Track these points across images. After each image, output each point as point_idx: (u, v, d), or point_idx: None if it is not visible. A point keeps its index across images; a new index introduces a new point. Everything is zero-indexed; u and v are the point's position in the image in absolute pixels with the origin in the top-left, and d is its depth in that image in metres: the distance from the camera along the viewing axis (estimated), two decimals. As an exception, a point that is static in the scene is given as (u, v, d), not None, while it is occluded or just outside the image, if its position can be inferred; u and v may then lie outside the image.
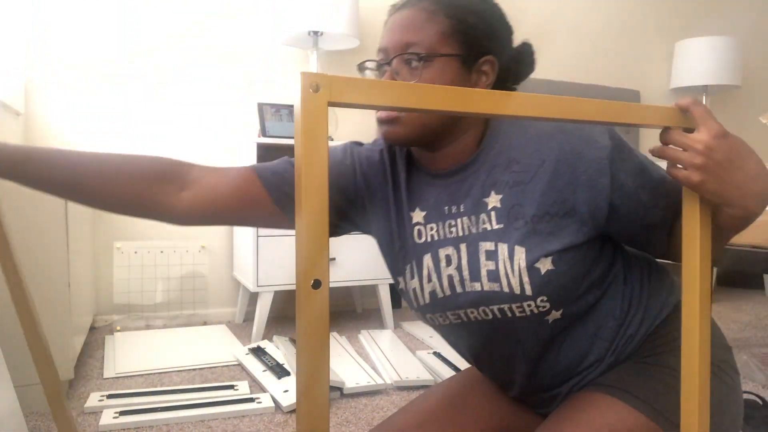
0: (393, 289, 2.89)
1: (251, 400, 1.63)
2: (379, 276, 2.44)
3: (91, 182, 0.75)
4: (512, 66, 0.80)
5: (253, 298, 2.69)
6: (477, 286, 0.77)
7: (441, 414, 0.90)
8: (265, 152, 2.67)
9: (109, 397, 1.64)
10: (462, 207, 0.79)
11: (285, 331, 2.47)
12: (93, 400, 1.61)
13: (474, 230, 0.77)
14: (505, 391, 0.95)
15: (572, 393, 0.85)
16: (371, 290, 2.93)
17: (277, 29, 2.47)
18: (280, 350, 2.05)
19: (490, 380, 0.96)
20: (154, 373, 1.88)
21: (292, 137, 2.34)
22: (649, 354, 0.82)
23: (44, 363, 0.91)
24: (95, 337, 2.29)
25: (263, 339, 2.30)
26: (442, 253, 0.80)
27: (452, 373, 1.89)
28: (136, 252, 2.50)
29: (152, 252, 2.52)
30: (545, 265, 0.74)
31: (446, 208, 0.80)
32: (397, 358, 2.03)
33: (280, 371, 1.82)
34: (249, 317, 2.67)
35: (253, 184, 0.83)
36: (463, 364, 1.99)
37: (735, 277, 3.63)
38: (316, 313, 0.40)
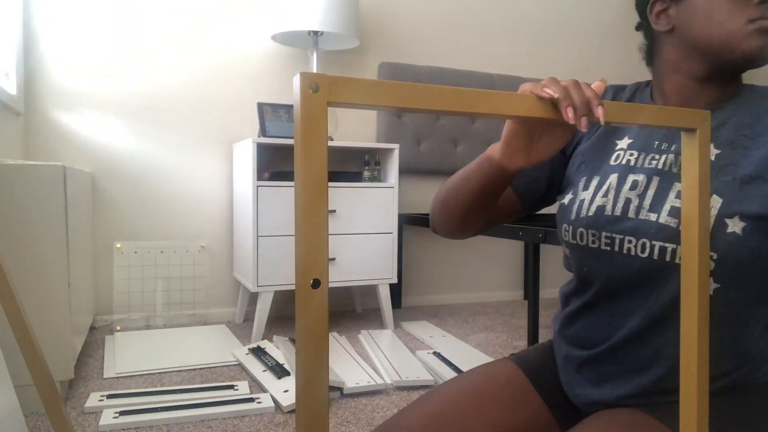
0: (393, 289, 2.90)
1: (251, 400, 1.63)
2: (379, 276, 2.44)
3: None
4: None
5: (253, 298, 2.69)
6: (653, 216, 0.74)
7: (446, 418, 0.87)
8: (265, 152, 2.67)
9: (109, 397, 1.64)
10: (674, 147, 0.78)
11: (285, 331, 2.47)
12: (93, 400, 1.61)
13: (675, 170, 0.76)
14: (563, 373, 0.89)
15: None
16: (371, 290, 2.93)
17: (277, 29, 2.47)
18: (280, 350, 2.05)
19: (572, 337, 0.88)
20: (154, 373, 1.88)
21: (292, 137, 2.34)
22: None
23: (37, 366, 0.91)
24: (95, 337, 2.29)
25: (263, 339, 2.30)
26: (632, 177, 0.78)
27: (452, 373, 1.89)
28: (136, 252, 2.50)
29: (152, 252, 2.52)
30: (734, 226, 0.70)
31: (657, 142, 0.80)
32: (397, 358, 2.03)
33: (280, 371, 1.82)
34: (249, 317, 2.67)
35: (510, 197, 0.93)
36: (464, 365, 1.99)
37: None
38: (316, 312, 0.41)
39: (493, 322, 2.73)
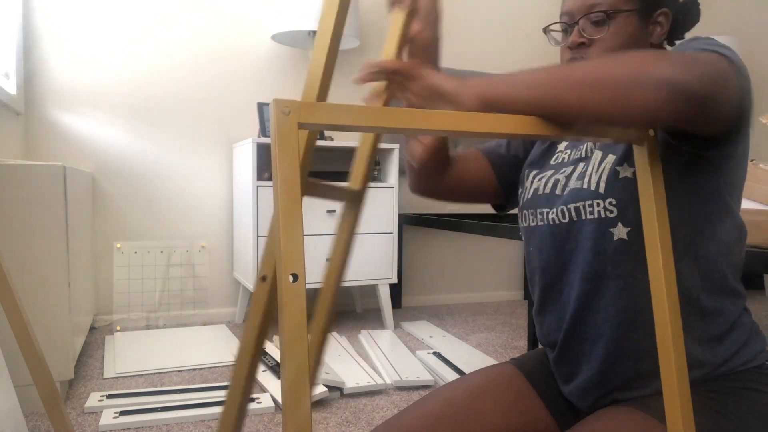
0: (393, 289, 2.90)
1: (251, 400, 1.63)
2: (379, 276, 2.44)
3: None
4: (680, 17, 0.89)
5: (253, 298, 2.69)
6: (568, 189, 0.84)
7: (446, 418, 0.88)
8: (265, 152, 2.67)
9: (109, 397, 1.64)
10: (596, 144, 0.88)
11: (285, 331, 2.47)
12: (93, 400, 1.61)
13: (590, 153, 0.86)
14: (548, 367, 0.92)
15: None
16: (371, 290, 2.93)
17: (277, 29, 2.47)
18: (281, 350, 2.05)
19: (544, 335, 0.93)
20: (154, 373, 1.88)
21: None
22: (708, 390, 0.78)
23: (37, 366, 0.91)
24: (95, 337, 2.29)
25: (263, 339, 2.30)
26: (563, 168, 0.89)
27: (452, 373, 1.89)
28: (136, 252, 2.50)
29: (152, 252, 2.52)
30: (625, 171, 0.77)
31: (584, 144, 0.90)
32: (397, 358, 2.03)
33: (280, 371, 1.82)
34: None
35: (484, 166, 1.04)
36: (463, 365, 1.99)
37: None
38: (296, 303, 0.46)
39: (493, 322, 2.73)
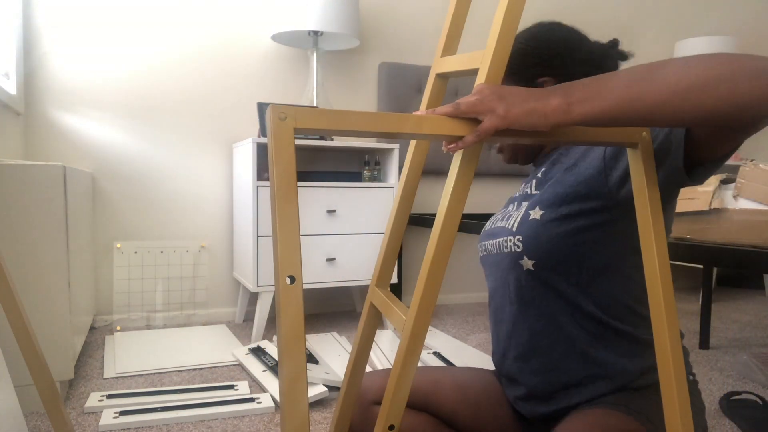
0: (393, 289, 2.89)
1: (251, 400, 1.63)
2: (379, 276, 2.43)
3: None
4: (584, 71, 0.95)
5: (253, 298, 2.69)
6: (502, 223, 0.98)
7: (445, 381, 1.02)
8: (265, 152, 2.67)
9: (109, 397, 1.64)
10: (533, 178, 1.00)
11: (285, 331, 2.47)
12: (93, 400, 1.61)
13: (529, 191, 0.98)
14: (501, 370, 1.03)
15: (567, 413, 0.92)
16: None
17: (277, 29, 2.47)
18: (278, 351, 2.05)
19: (495, 353, 1.05)
20: (154, 373, 1.88)
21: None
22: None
23: (37, 366, 0.91)
24: (95, 337, 2.29)
25: (263, 339, 2.30)
26: (512, 202, 1.03)
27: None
28: (136, 252, 2.50)
29: (152, 252, 2.52)
30: (535, 213, 0.90)
31: (530, 178, 1.01)
32: (397, 358, 2.03)
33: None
34: (249, 317, 2.67)
35: None
36: (463, 366, 1.98)
37: (735, 277, 3.63)
38: (293, 304, 0.48)
39: (493, 322, 2.72)
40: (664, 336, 0.62)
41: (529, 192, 0.97)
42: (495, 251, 0.97)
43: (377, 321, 0.71)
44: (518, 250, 0.90)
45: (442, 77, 0.68)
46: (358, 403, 0.97)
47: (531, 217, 0.90)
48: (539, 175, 0.97)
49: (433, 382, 1.01)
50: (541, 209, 0.89)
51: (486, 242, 1.01)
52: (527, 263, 0.90)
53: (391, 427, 0.57)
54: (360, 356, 0.72)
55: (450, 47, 0.67)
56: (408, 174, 0.71)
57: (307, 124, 0.50)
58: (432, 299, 0.58)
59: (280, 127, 0.48)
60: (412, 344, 0.56)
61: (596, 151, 0.85)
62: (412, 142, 0.73)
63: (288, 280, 0.47)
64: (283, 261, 0.47)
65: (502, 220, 0.99)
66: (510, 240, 0.92)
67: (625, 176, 0.78)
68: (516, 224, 0.92)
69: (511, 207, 1.00)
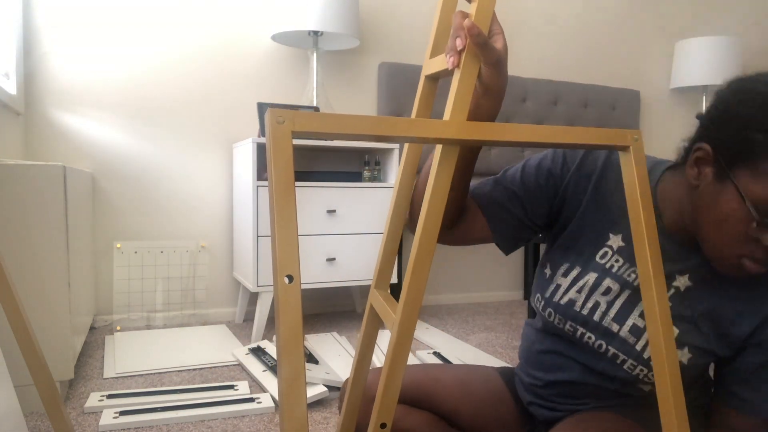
0: (393, 289, 2.89)
1: (251, 400, 1.63)
2: (379, 276, 2.44)
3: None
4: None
5: (253, 298, 2.69)
6: (615, 327, 0.82)
7: (446, 379, 1.00)
8: (265, 152, 2.67)
9: (109, 397, 1.64)
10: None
11: (285, 331, 2.47)
12: (93, 400, 1.61)
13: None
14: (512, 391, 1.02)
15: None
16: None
17: (277, 29, 2.47)
18: (277, 351, 2.05)
19: (515, 381, 1.03)
20: (154, 373, 1.88)
21: (292, 137, 2.33)
22: None
23: (37, 366, 0.91)
24: (95, 337, 2.29)
25: (263, 339, 2.30)
26: (608, 282, 0.83)
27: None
28: (136, 252, 2.50)
29: (152, 252, 2.52)
30: (684, 355, 0.79)
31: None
32: (397, 358, 2.03)
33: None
34: (249, 317, 2.67)
35: (480, 221, 0.88)
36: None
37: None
38: (291, 303, 0.48)
39: (493, 322, 2.73)
40: (660, 346, 0.62)
41: (634, 281, 0.81)
42: (599, 350, 0.84)
43: (378, 322, 0.71)
44: (650, 381, 0.81)
45: (432, 79, 0.68)
46: (363, 397, 0.97)
47: (679, 357, 0.78)
48: (682, 278, 0.80)
49: (435, 380, 1.00)
50: (690, 352, 0.78)
51: (578, 327, 0.85)
52: (652, 389, 0.83)
53: (383, 425, 0.58)
54: (362, 359, 0.72)
55: (438, 48, 0.67)
56: (403, 174, 0.71)
57: (305, 127, 0.51)
58: (418, 299, 0.58)
59: (278, 130, 0.49)
60: (400, 343, 0.57)
61: (747, 322, 0.77)
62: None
63: (286, 280, 0.48)
64: (281, 261, 0.48)
65: (604, 313, 0.82)
66: (642, 370, 0.80)
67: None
68: (648, 354, 0.79)
69: (613, 290, 0.82)
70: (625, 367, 0.81)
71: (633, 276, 0.81)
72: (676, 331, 0.78)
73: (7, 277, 0.88)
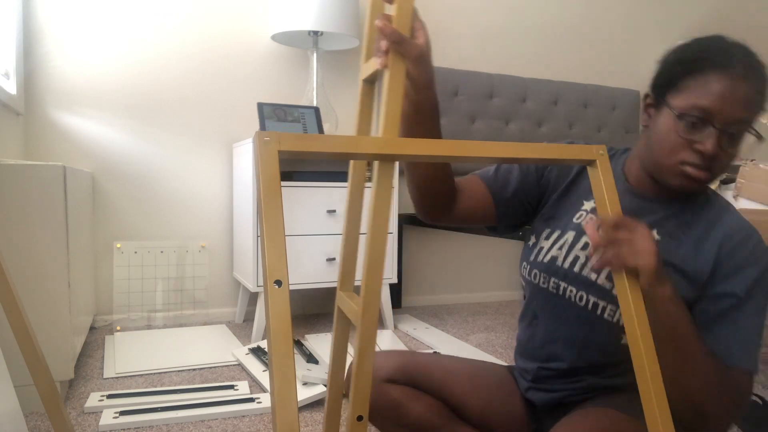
0: (393, 289, 2.90)
1: (251, 400, 1.63)
2: (379, 276, 2.44)
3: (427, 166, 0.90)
4: None
5: (253, 298, 2.69)
6: (593, 276, 0.91)
7: (459, 371, 1.04)
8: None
9: (109, 397, 1.64)
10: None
11: (285, 331, 2.47)
12: (93, 400, 1.61)
13: None
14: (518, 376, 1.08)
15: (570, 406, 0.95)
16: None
17: (277, 29, 2.47)
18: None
19: (521, 352, 1.08)
20: (154, 373, 1.88)
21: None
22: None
23: (37, 366, 0.91)
24: (95, 337, 2.29)
25: (263, 339, 2.30)
26: (585, 238, 0.93)
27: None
28: (136, 252, 2.50)
29: (152, 252, 2.52)
30: None
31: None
32: (397, 358, 2.03)
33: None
34: (249, 317, 2.67)
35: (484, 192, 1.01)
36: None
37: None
38: (280, 305, 0.51)
39: (493, 322, 2.73)
40: (636, 336, 0.66)
41: None
42: (580, 302, 0.92)
43: (347, 322, 0.72)
44: (613, 320, 0.89)
45: (369, 82, 0.70)
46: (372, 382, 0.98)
47: None
48: (665, 218, 0.90)
49: (446, 371, 1.02)
50: None
51: (560, 282, 0.95)
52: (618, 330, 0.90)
53: (360, 418, 0.60)
54: (337, 360, 0.75)
55: (371, 52, 0.69)
56: (354, 174, 0.74)
57: (289, 146, 0.56)
58: (376, 291, 0.63)
59: (265, 149, 0.54)
60: (365, 334, 0.60)
61: (711, 248, 0.86)
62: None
63: (275, 285, 0.51)
64: (270, 266, 0.52)
65: (583, 265, 0.92)
66: (617, 314, 0.88)
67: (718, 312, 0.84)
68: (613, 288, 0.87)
69: (577, 245, 0.93)
70: (605, 315, 0.89)
71: None
72: None
73: (7, 277, 0.88)
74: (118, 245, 2.47)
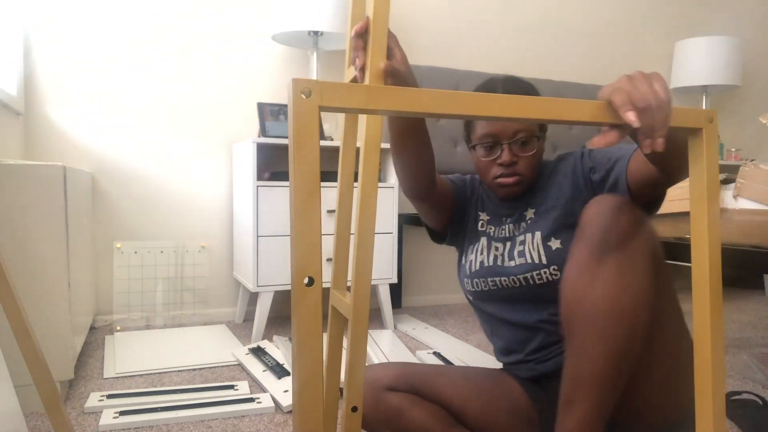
0: (393, 289, 2.90)
1: (251, 400, 1.63)
2: (379, 276, 2.44)
3: (415, 143, 1.00)
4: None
5: (253, 298, 2.69)
6: (512, 263, 1.09)
7: (477, 383, 1.10)
8: (265, 152, 2.67)
9: (109, 397, 1.64)
10: (510, 219, 1.16)
11: (285, 331, 2.47)
12: (93, 400, 1.61)
13: (516, 233, 1.13)
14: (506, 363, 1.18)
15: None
16: (371, 290, 2.93)
17: (277, 29, 2.47)
18: (280, 350, 2.05)
19: (500, 352, 1.20)
20: (154, 373, 1.88)
21: (292, 137, 2.33)
22: None
23: (37, 366, 0.91)
24: (95, 337, 2.29)
25: (263, 339, 2.30)
26: (494, 243, 1.15)
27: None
28: (136, 252, 2.50)
29: (152, 252, 2.52)
30: (554, 244, 1.05)
31: (503, 218, 1.17)
32: (397, 359, 2.03)
33: (280, 371, 1.82)
34: (249, 317, 2.67)
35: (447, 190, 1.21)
36: (464, 366, 1.98)
37: (735, 277, 3.63)
38: (311, 309, 0.43)
39: (493, 322, 2.72)
40: (706, 331, 0.60)
41: (508, 234, 1.14)
42: (514, 284, 1.09)
43: (342, 320, 0.71)
44: (557, 277, 1.04)
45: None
46: (371, 389, 1.00)
47: (554, 247, 1.05)
48: (528, 212, 1.13)
49: (446, 378, 1.06)
50: (556, 237, 1.06)
51: (495, 278, 1.11)
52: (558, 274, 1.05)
53: (354, 409, 0.58)
54: (332, 359, 0.71)
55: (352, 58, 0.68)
56: (343, 172, 0.71)
57: (337, 101, 0.42)
58: (366, 288, 0.59)
59: (304, 105, 0.41)
60: (357, 326, 0.58)
61: (569, 176, 1.10)
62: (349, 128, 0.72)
63: (306, 281, 0.42)
64: (300, 262, 0.42)
65: (502, 257, 1.12)
66: (545, 272, 1.05)
67: (606, 174, 1.03)
68: (543, 257, 1.05)
69: (500, 246, 1.14)
70: (538, 281, 1.05)
71: (504, 231, 1.15)
72: (539, 233, 1.07)
73: (7, 277, 0.88)
74: (118, 245, 2.47)
